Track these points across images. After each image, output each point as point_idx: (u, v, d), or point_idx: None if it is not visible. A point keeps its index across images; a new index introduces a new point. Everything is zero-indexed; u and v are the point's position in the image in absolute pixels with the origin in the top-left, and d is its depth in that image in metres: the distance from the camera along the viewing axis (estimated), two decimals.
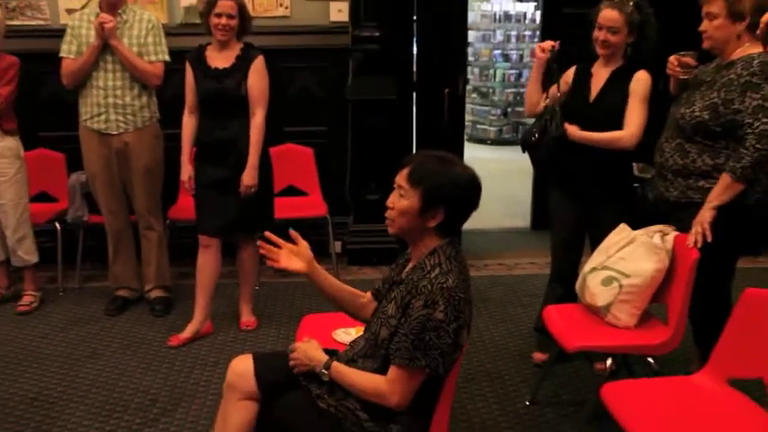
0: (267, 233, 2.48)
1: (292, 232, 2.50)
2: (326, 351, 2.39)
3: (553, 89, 3.44)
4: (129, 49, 4.09)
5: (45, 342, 4.13)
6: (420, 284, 2.14)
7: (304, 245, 2.45)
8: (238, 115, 3.88)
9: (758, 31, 2.16)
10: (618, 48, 3.35)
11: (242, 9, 3.87)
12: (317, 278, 2.46)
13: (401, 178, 2.21)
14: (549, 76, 3.46)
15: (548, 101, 3.43)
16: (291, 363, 2.33)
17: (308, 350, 2.32)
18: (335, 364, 2.25)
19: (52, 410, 3.45)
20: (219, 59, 3.89)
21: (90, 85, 4.15)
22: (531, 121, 3.60)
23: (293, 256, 2.42)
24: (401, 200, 2.20)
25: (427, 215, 2.18)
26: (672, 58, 3.12)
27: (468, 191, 2.21)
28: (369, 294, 2.51)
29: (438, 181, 2.17)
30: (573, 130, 3.35)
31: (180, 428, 3.29)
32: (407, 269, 2.30)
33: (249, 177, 3.86)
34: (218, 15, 3.79)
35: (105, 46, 4.06)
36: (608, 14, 3.29)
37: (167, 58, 4.20)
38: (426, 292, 2.11)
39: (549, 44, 3.40)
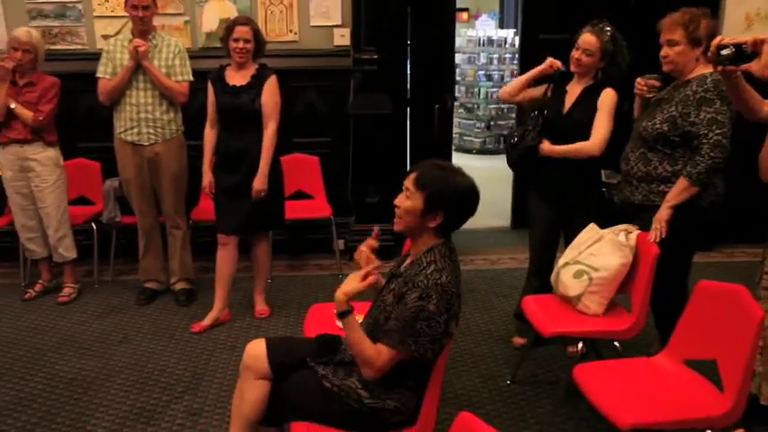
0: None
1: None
2: (330, 336, 2.39)
3: (540, 90, 3.49)
4: (159, 70, 4.10)
5: (82, 328, 4.13)
6: (417, 279, 2.14)
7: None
8: (252, 128, 3.86)
9: (709, 53, 2.17)
10: (589, 68, 3.35)
11: (257, 34, 3.87)
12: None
13: (408, 182, 2.23)
14: (550, 79, 3.51)
15: (523, 96, 3.50)
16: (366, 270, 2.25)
17: (348, 283, 2.21)
18: (353, 318, 2.19)
19: (89, 388, 3.45)
20: (237, 78, 3.88)
21: (124, 101, 4.15)
22: (507, 123, 3.61)
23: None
24: (407, 201, 2.22)
25: (428, 216, 2.19)
26: (639, 80, 3.13)
27: (466, 198, 2.23)
28: None
29: (440, 187, 2.18)
30: (545, 146, 3.37)
31: (202, 404, 3.30)
32: (406, 264, 2.30)
33: (259, 183, 3.86)
34: (236, 40, 3.80)
35: (138, 67, 4.07)
36: (587, 38, 3.30)
37: (192, 78, 4.20)
38: (422, 287, 2.12)
39: (558, 65, 3.43)
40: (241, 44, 3.80)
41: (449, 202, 2.19)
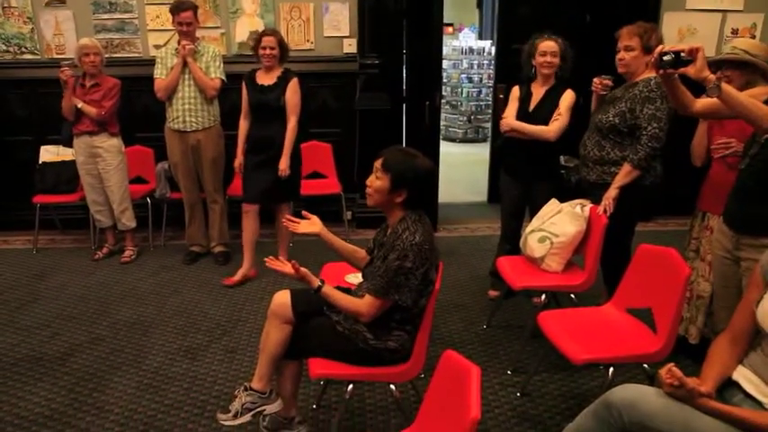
0: (287, 216, 2.51)
1: (305, 212, 2.52)
2: (341, 289, 2.39)
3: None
4: (199, 68, 4.08)
5: (141, 283, 4.14)
6: (396, 243, 2.14)
7: (315, 218, 2.51)
8: (277, 120, 3.84)
9: (652, 59, 2.15)
10: (555, 69, 3.32)
11: (281, 42, 3.84)
12: (328, 238, 2.50)
13: (377, 164, 2.21)
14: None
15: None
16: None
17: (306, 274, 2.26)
18: (327, 287, 2.24)
19: (146, 331, 3.47)
20: (265, 79, 3.86)
21: (174, 96, 4.14)
22: (487, 124, 3.59)
23: (310, 225, 2.47)
24: (377, 181, 2.21)
25: (395, 193, 2.18)
26: (595, 80, 3.10)
27: (425, 178, 2.21)
28: (364, 251, 2.50)
29: (402, 169, 2.16)
30: (511, 122, 3.36)
31: (236, 344, 3.32)
32: (388, 233, 2.28)
33: (284, 164, 3.85)
34: (264, 48, 3.77)
35: (183, 66, 4.06)
36: (549, 44, 3.27)
37: (224, 77, 4.17)
38: (399, 249, 2.12)
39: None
40: (268, 51, 3.77)
41: (410, 181, 2.16)
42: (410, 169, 2.17)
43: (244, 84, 3.92)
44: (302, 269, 2.24)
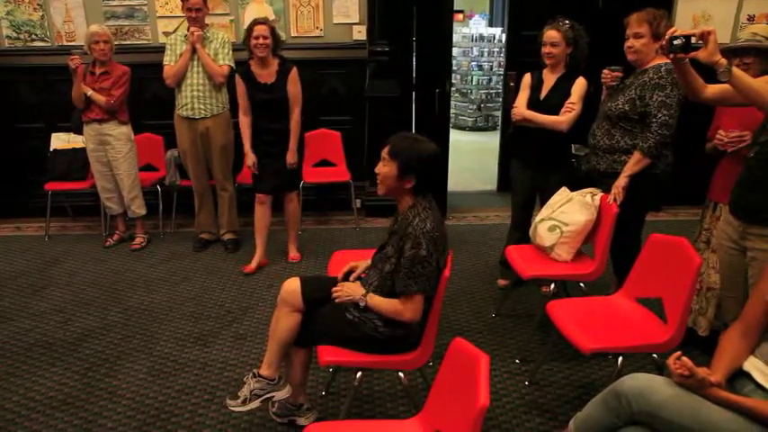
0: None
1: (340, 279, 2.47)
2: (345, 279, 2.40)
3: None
4: (208, 54, 4.09)
5: (151, 270, 4.17)
6: (407, 231, 2.14)
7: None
8: (284, 113, 3.85)
9: (663, 43, 2.13)
10: (559, 58, 3.29)
11: (273, 31, 3.80)
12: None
13: (385, 152, 2.21)
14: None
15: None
16: (335, 295, 2.29)
17: (351, 287, 2.31)
18: (370, 295, 2.24)
19: (157, 318, 3.50)
20: (265, 76, 3.82)
21: (183, 83, 4.14)
22: (497, 112, 3.58)
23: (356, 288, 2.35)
24: (384, 168, 2.20)
25: (404, 180, 2.17)
26: (605, 72, 3.07)
27: (432, 162, 2.20)
28: None
29: (409, 155, 2.16)
30: (524, 111, 3.36)
31: (246, 330, 3.34)
32: (399, 220, 2.27)
33: (292, 157, 3.88)
34: (256, 38, 3.72)
35: (192, 53, 4.07)
36: (550, 33, 3.25)
37: (232, 64, 4.18)
38: (412, 236, 2.11)
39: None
40: (261, 40, 3.71)
41: (418, 166, 2.16)
42: (416, 154, 2.16)
43: (240, 79, 3.85)
44: (345, 298, 2.27)
